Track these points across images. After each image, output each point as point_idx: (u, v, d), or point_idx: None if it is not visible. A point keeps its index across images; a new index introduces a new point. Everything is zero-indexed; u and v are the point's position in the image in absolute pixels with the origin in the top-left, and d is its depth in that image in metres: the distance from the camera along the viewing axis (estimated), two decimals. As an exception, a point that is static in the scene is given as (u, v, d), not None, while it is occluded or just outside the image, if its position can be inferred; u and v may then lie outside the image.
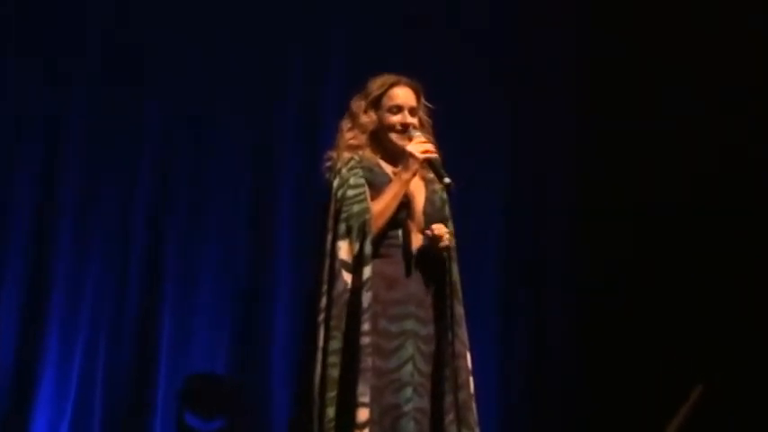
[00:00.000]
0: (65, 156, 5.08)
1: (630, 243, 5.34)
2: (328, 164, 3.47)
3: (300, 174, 5.17)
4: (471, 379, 3.38)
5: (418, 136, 3.43)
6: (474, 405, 3.36)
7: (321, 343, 3.24)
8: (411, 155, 3.38)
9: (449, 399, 3.35)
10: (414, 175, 3.40)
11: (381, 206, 3.35)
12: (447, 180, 3.38)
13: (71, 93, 5.10)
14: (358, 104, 3.50)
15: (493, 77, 5.50)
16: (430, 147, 3.41)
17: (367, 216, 3.30)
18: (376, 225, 3.32)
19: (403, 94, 3.49)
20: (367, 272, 3.26)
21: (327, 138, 3.63)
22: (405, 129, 3.46)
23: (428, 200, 3.50)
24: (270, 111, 5.33)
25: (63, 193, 5.04)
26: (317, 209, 3.46)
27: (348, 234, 3.29)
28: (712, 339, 5.06)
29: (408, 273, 3.38)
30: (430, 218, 3.44)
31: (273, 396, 5.05)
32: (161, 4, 5.23)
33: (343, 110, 3.58)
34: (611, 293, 5.29)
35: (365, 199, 3.34)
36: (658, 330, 5.19)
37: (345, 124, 3.51)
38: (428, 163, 3.41)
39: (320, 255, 3.34)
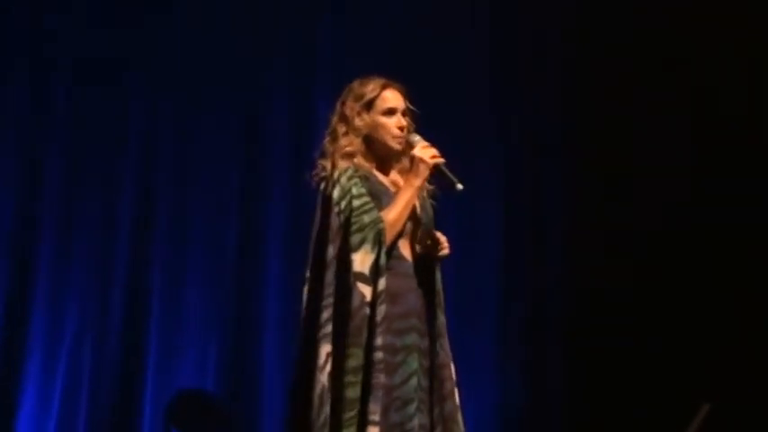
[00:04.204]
0: (45, 166, 5.01)
1: (631, 261, 5.30)
2: (323, 174, 3.35)
3: (291, 185, 5.08)
4: (456, 390, 3.32)
5: (420, 140, 3.35)
6: (460, 417, 3.30)
7: (322, 361, 3.13)
8: (421, 160, 3.29)
9: (436, 411, 3.29)
10: (424, 181, 3.32)
11: (394, 215, 3.26)
12: (460, 186, 3.27)
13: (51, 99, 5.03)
14: (350, 107, 3.39)
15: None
16: (436, 151, 3.31)
17: (381, 225, 3.21)
18: (391, 234, 3.24)
19: (395, 97, 3.41)
20: (382, 284, 3.17)
21: (318, 145, 3.48)
22: (401, 131, 3.37)
23: (422, 208, 3.41)
24: (258, 118, 5.29)
25: (42, 207, 4.97)
26: (309, 222, 3.34)
27: (362, 245, 3.18)
28: (719, 357, 5.03)
29: (410, 285, 3.31)
30: (426, 227, 3.36)
31: (264, 414, 4.99)
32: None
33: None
34: (612, 311, 5.25)
35: (373, 208, 3.24)
36: (663, 349, 5.16)
37: (340, 128, 3.39)
38: (436, 169, 3.31)
39: (319, 267, 3.22)
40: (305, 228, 3.37)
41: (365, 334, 3.12)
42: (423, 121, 3.43)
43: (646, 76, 5.36)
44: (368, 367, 3.11)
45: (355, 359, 3.11)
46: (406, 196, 3.28)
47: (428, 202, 3.43)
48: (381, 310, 3.15)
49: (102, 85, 5.07)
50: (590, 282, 5.31)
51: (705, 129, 5.25)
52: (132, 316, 5.00)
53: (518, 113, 5.49)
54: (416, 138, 3.36)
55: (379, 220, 3.21)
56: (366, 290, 3.15)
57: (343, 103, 3.42)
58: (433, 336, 3.31)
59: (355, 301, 3.13)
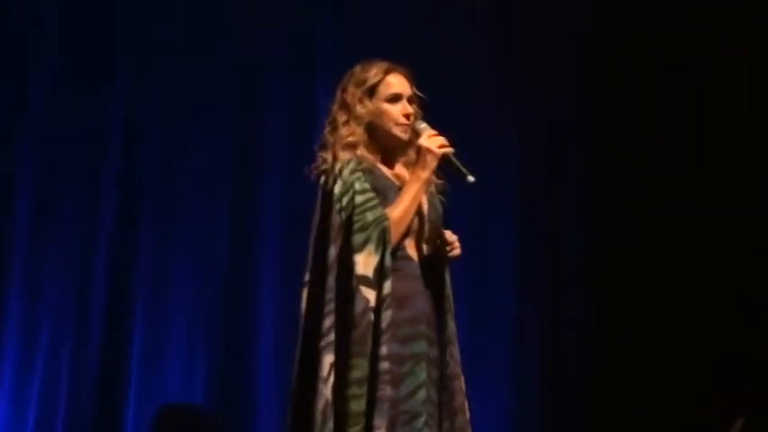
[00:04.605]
0: (19, 166, 4.83)
1: (651, 259, 5.15)
2: (323, 167, 3.16)
3: (287, 180, 4.92)
4: (466, 403, 3.18)
5: (426, 128, 3.17)
6: None
7: (325, 372, 2.96)
8: (429, 150, 3.10)
9: (446, 425, 3.15)
10: (432, 173, 3.14)
11: (401, 211, 3.07)
12: (471, 178, 3.08)
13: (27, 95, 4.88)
14: (352, 93, 3.21)
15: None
16: (444, 140, 3.13)
17: (386, 223, 3.03)
18: (397, 233, 3.06)
19: (399, 82, 3.23)
20: (387, 287, 2.99)
21: (317, 140, 3.32)
22: (407, 119, 3.19)
23: (430, 204, 3.23)
24: (251, 111, 5.11)
25: (18, 207, 4.79)
26: (308, 219, 3.17)
27: (365, 245, 3.00)
28: (755, 370, 4.92)
29: (418, 288, 3.13)
30: (434, 225, 3.20)
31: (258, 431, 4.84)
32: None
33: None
34: (632, 312, 5.10)
35: (377, 205, 3.06)
36: (687, 353, 5.03)
37: (340, 117, 3.20)
38: (445, 159, 3.12)
39: (319, 270, 3.05)
40: (302, 225, 3.24)
41: (370, 342, 2.96)
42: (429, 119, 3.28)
43: (650, 73, 5.28)
44: (372, 379, 2.95)
45: (360, 370, 2.95)
46: (412, 190, 3.09)
47: (437, 199, 3.26)
48: (387, 315, 2.97)
49: (88, 74, 4.95)
50: (608, 280, 5.20)
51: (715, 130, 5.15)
52: (113, 324, 4.83)
53: (529, 112, 5.41)
54: (423, 125, 3.18)
55: (383, 218, 3.04)
56: (370, 294, 2.98)
57: (344, 90, 3.24)
58: (442, 344, 3.15)
59: (358, 307, 2.96)
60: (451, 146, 3.13)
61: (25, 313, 4.73)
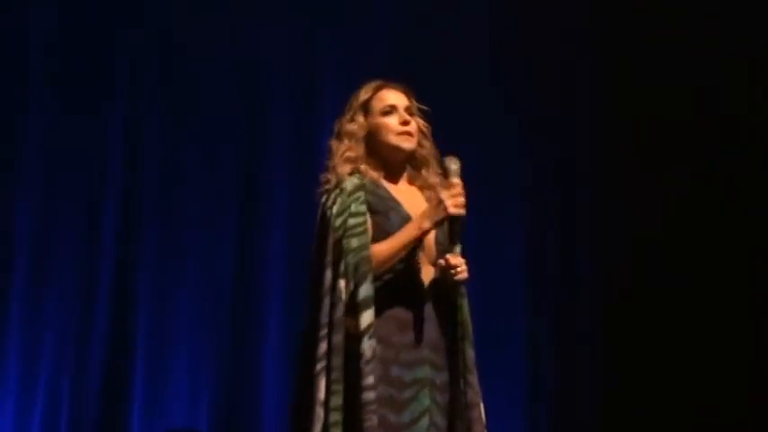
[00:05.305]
0: (20, 180, 4.85)
1: (663, 272, 5.19)
2: (326, 187, 3.11)
3: (293, 195, 4.94)
4: None
5: (457, 183, 3.02)
6: None
7: (323, 396, 2.91)
8: (444, 207, 2.98)
9: None
10: (435, 226, 3.04)
11: (387, 252, 3.00)
12: (458, 249, 3.00)
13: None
14: (344, 119, 3.20)
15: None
16: (463, 201, 3.01)
17: (364, 253, 2.97)
18: (378, 268, 2.98)
19: (393, 95, 3.20)
20: (366, 318, 2.92)
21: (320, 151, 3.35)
22: (405, 125, 3.13)
23: (439, 228, 3.11)
24: (256, 122, 5.16)
25: (20, 220, 4.81)
26: (313, 238, 3.11)
27: (345, 272, 2.96)
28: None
29: (422, 312, 3.04)
30: (443, 248, 3.08)
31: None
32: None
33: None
34: (645, 323, 5.13)
35: (365, 231, 3.00)
36: (701, 368, 5.04)
37: (335, 144, 3.18)
38: (451, 219, 3.02)
39: (317, 293, 3.00)
40: (308, 243, 3.18)
41: (349, 371, 2.90)
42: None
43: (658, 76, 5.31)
44: (357, 409, 2.88)
45: (338, 397, 2.90)
46: (410, 235, 3.01)
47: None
48: (369, 345, 2.91)
49: (90, 77, 4.98)
50: (620, 294, 5.21)
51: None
52: (115, 351, 4.82)
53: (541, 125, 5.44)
54: (455, 167, 3.04)
55: (363, 248, 2.97)
56: (351, 323, 2.94)
57: (339, 118, 3.22)
58: (457, 371, 3.06)
59: (338, 335, 2.93)
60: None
61: (28, 338, 4.73)
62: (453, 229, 3.01)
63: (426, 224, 2.99)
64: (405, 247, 2.99)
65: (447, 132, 3.23)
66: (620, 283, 5.23)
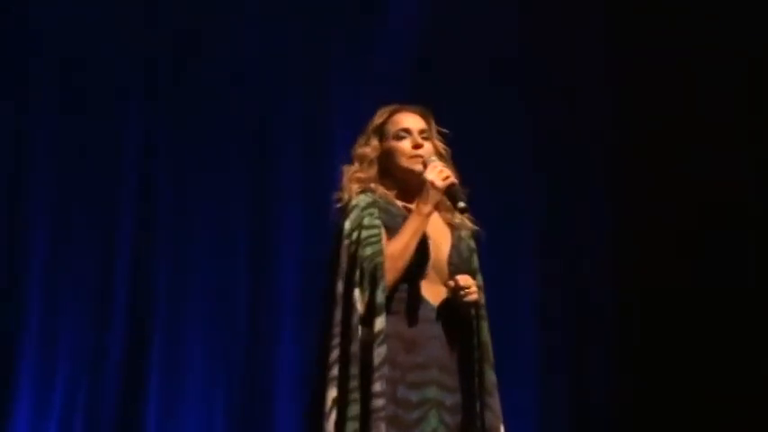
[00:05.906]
0: (31, 201, 4.87)
1: (678, 281, 5.16)
2: (338, 205, 3.14)
3: (307, 195, 4.95)
4: None
5: (434, 160, 3.10)
6: None
7: (327, 408, 2.92)
8: (432, 184, 3.03)
9: None
10: (434, 207, 3.06)
11: (399, 246, 3.00)
12: (462, 204, 3.03)
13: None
14: (357, 144, 3.22)
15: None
16: (449, 172, 3.06)
17: (379, 259, 2.97)
18: (394, 268, 2.99)
19: (407, 118, 3.19)
20: (379, 323, 2.93)
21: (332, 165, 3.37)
22: (417, 148, 3.14)
23: (454, 248, 3.14)
24: (271, 122, 5.16)
25: (32, 236, 4.81)
26: (328, 254, 3.12)
27: (361, 281, 2.97)
28: None
29: (430, 332, 3.04)
30: (456, 268, 3.09)
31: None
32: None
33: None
34: (660, 337, 5.14)
35: (379, 240, 3.00)
36: (717, 383, 5.02)
37: (347, 169, 3.20)
38: (448, 192, 3.06)
39: (329, 305, 3.01)
40: (322, 237, 3.23)
41: (362, 380, 2.91)
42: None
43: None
44: (365, 416, 2.88)
45: (356, 406, 2.90)
46: (413, 224, 3.02)
47: (465, 243, 3.18)
48: (380, 352, 2.91)
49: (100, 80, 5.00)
50: (635, 307, 5.22)
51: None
52: (131, 348, 4.85)
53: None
54: (432, 159, 3.11)
55: (377, 254, 2.98)
56: (364, 331, 2.95)
57: (355, 144, 3.24)
58: (472, 393, 3.06)
59: (355, 343, 2.93)
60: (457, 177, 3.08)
61: (41, 359, 4.74)
62: (453, 198, 3.05)
63: (426, 208, 3.01)
64: (413, 236, 2.99)
65: (455, 130, 3.25)
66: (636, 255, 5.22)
